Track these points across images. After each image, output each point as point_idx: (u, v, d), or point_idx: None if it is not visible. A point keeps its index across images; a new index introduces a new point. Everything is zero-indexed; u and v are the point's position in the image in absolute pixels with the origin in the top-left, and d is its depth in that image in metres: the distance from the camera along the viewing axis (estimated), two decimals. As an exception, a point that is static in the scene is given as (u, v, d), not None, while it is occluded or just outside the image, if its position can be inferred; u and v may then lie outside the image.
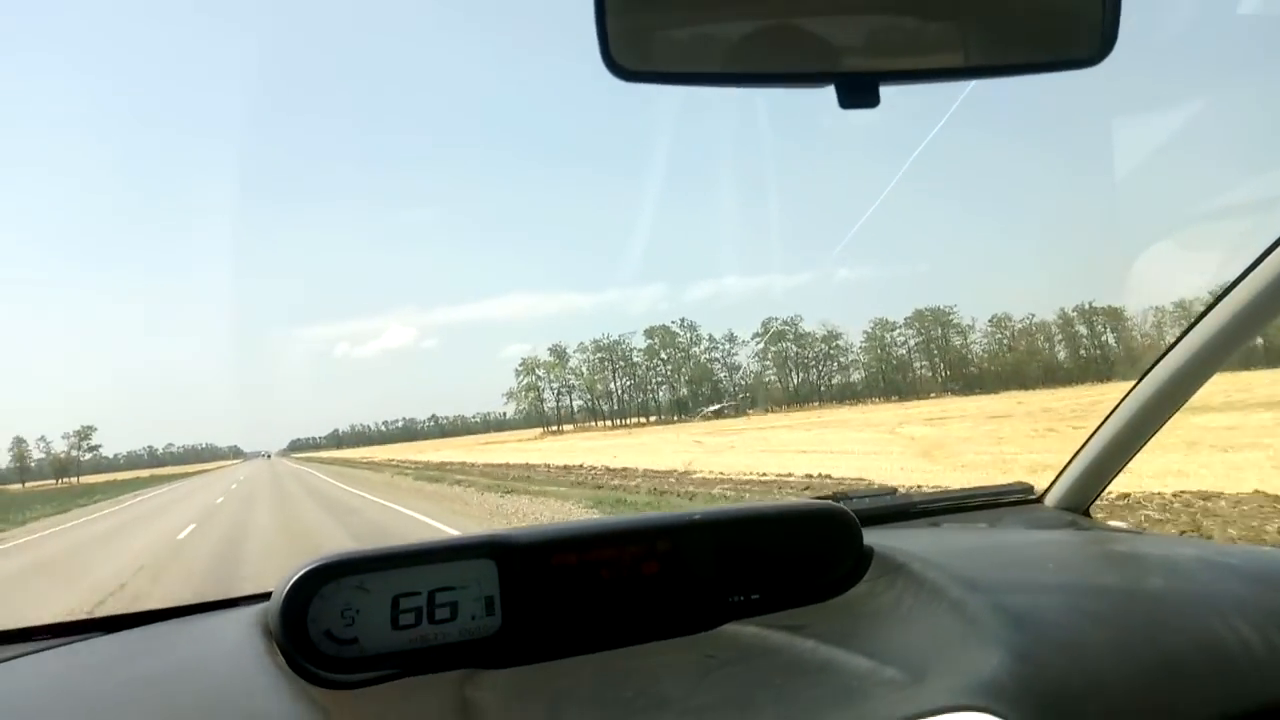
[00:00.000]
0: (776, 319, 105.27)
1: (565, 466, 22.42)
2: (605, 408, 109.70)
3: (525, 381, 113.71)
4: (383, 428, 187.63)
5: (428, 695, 0.78)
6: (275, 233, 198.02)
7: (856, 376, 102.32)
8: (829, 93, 0.62)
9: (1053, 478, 1.45)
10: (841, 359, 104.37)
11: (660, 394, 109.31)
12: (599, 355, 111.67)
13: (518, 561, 0.91)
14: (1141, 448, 1.34)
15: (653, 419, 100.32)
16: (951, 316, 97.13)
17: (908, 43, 0.62)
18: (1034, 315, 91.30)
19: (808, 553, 1.01)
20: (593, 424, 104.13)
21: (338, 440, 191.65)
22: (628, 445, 33.82)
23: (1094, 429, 1.36)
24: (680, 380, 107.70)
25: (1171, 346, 1.23)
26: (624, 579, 0.95)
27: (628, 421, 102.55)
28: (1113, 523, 1.42)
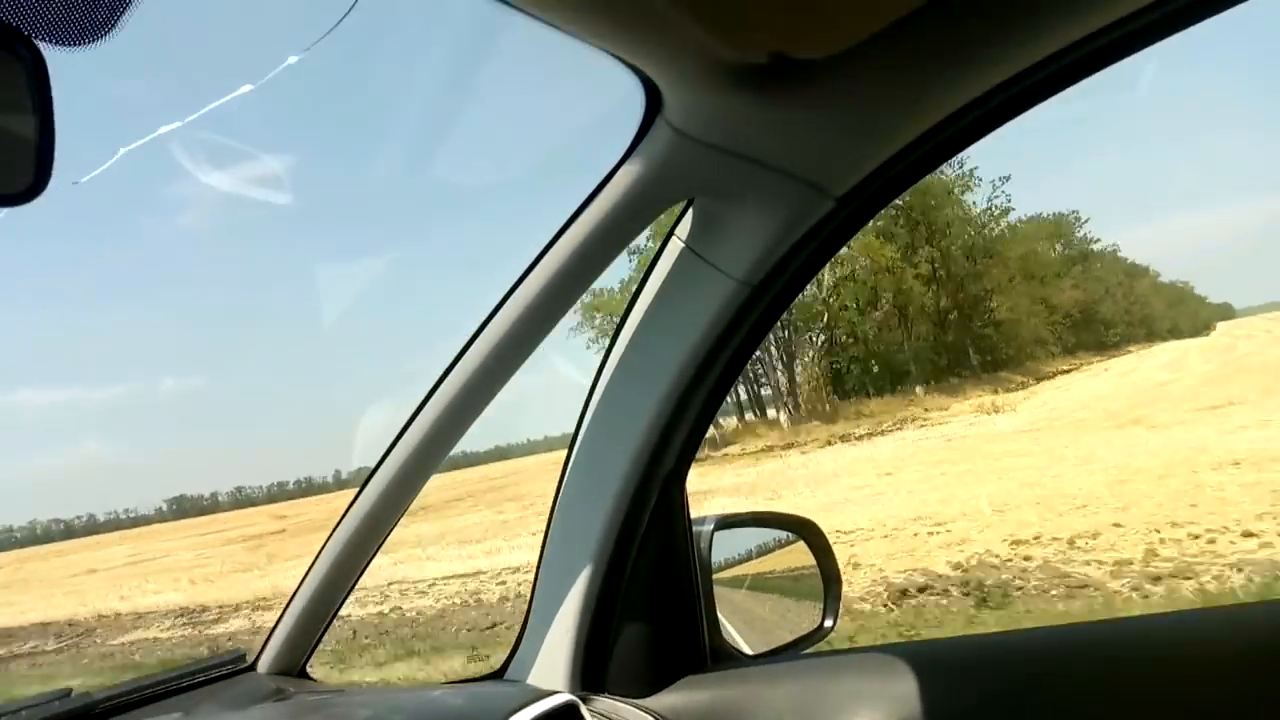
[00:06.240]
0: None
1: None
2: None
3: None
4: None
5: None
6: None
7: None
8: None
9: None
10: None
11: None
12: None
13: None
14: (349, 594, 1.30)
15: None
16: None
17: None
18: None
19: None
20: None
21: None
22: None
23: (297, 584, 1.29)
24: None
25: (355, 498, 1.22)
26: None
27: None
28: (318, 684, 1.35)
